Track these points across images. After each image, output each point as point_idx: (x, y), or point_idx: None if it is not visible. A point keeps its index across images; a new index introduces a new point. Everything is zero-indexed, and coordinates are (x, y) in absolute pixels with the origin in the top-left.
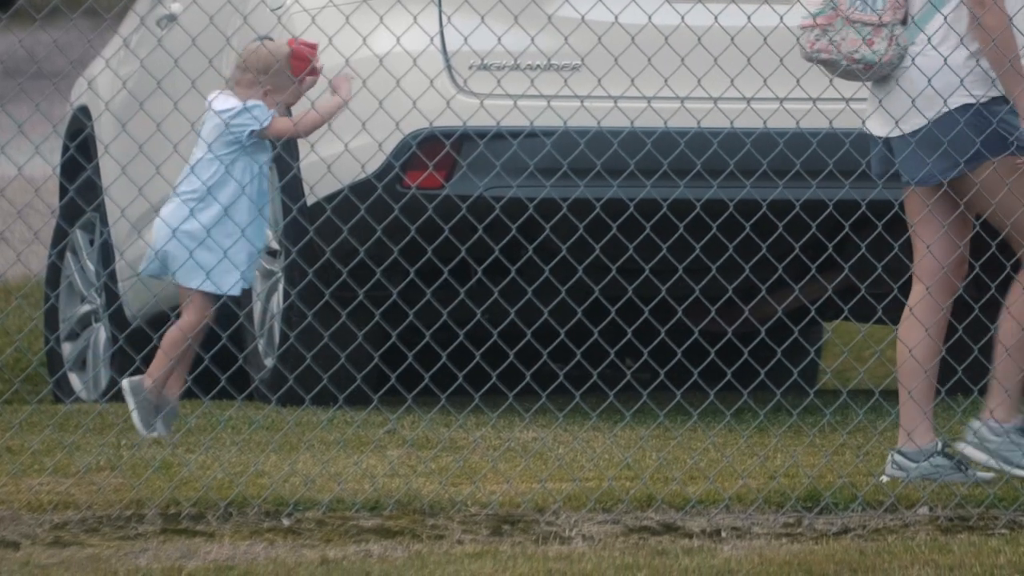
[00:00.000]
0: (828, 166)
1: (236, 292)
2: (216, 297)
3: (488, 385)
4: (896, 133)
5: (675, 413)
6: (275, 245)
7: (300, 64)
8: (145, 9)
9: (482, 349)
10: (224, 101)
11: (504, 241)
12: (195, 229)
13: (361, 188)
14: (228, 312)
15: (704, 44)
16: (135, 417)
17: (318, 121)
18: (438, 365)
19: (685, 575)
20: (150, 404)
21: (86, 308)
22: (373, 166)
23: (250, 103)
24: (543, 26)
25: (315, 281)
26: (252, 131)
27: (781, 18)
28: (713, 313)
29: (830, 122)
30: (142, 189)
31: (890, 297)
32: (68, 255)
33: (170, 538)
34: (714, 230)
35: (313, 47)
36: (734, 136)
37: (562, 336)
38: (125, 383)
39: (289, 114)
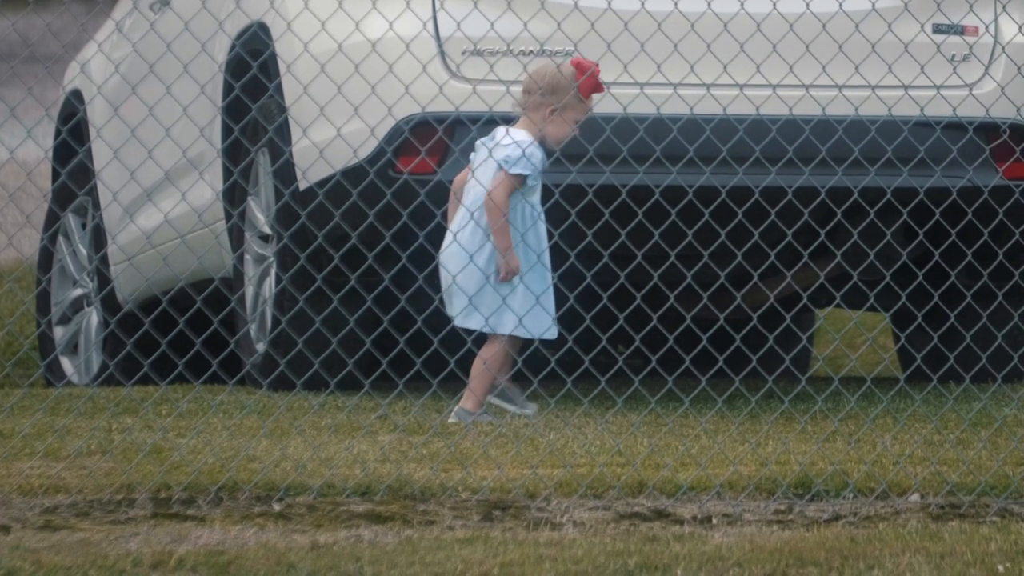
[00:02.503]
0: (821, 153)
1: (509, 331)
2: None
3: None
4: None
5: (667, 399)
6: (267, 230)
7: (586, 80)
8: None
9: (474, 335)
10: (509, 135)
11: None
12: (474, 271)
13: (353, 173)
14: (220, 296)
15: (697, 30)
16: (498, 412)
17: (495, 221)
18: (430, 350)
19: (676, 561)
20: (480, 416)
21: (78, 292)
22: (365, 151)
23: (528, 141)
24: (536, 12)
25: (307, 266)
26: (501, 167)
27: (774, 5)
28: (705, 300)
29: (823, 109)
30: (134, 173)
31: (882, 284)
32: (60, 239)
33: (161, 522)
34: (706, 216)
35: (595, 64)
36: (727, 123)
37: (553, 322)
38: (452, 420)
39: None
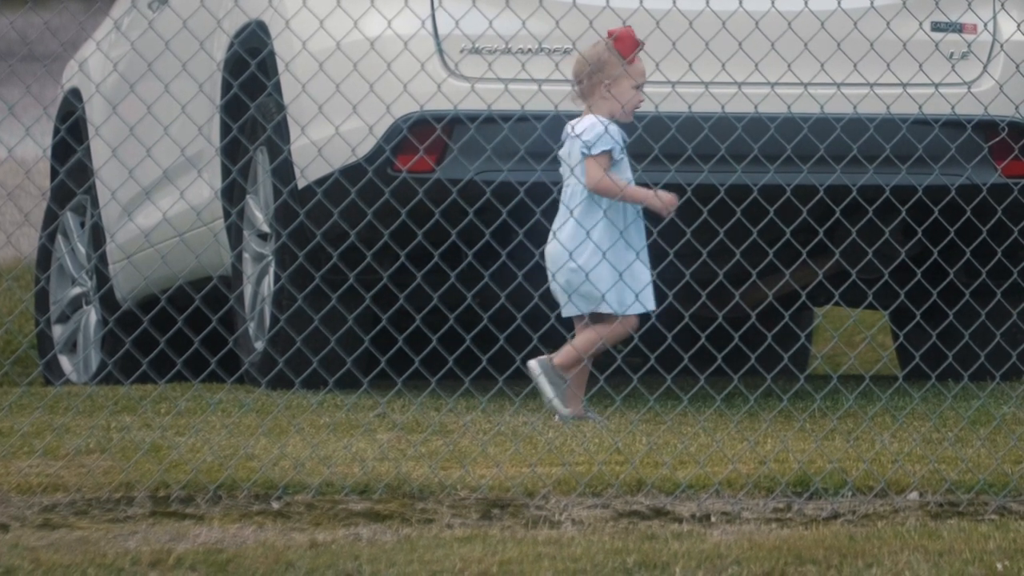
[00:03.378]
0: (819, 151)
1: (617, 310)
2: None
3: (478, 369)
4: None
5: (665, 398)
6: (266, 228)
7: (623, 45)
8: None
9: (472, 333)
10: (581, 123)
11: (495, 225)
12: (581, 259)
13: (352, 171)
14: (218, 295)
15: (695, 28)
16: (551, 395)
17: (616, 194)
18: (428, 349)
19: (675, 560)
20: (560, 380)
21: (77, 290)
22: (364, 149)
23: (603, 120)
24: (534, 10)
25: (306, 264)
26: (584, 155)
27: (773, 3)
28: (704, 298)
29: (821, 107)
30: (133, 171)
31: (881, 282)
32: (59, 237)
33: (159, 521)
34: (704, 215)
35: (628, 28)
36: (725, 121)
37: (552, 320)
38: (533, 363)
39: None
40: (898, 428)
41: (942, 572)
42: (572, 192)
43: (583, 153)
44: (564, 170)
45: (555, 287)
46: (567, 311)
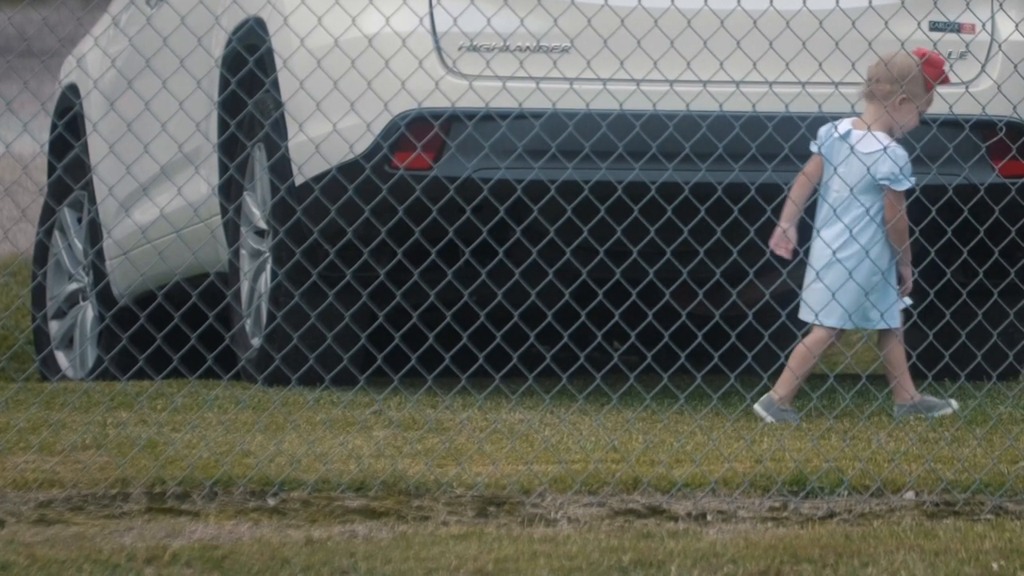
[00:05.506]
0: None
1: (880, 325)
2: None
3: (475, 367)
4: None
5: (662, 396)
6: (263, 225)
7: (934, 71)
8: None
9: (469, 331)
10: (869, 143)
11: (492, 223)
12: (841, 270)
13: (349, 168)
14: (215, 291)
15: (694, 27)
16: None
17: (903, 242)
18: (425, 346)
19: (670, 558)
20: (783, 413)
21: (73, 286)
22: (361, 147)
23: (892, 149)
24: (532, 8)
25: (303, 261)
26: (884, 184)
27: (771, 2)
28: (700, 296)
29: (819, 106)
30: (130, 168)
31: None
32: (56, 233)
33: (155, 517)
34: (702, 213)
35: (941, 57)
36: (723, 119)
37: (549, 318)
38: (757, 407)
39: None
40: (894, 427)
41: (938, 572)
42: (839, 194)
43: (887, 182)
44: (832, 170)
45: (817, 287)
46: (828, 319)
